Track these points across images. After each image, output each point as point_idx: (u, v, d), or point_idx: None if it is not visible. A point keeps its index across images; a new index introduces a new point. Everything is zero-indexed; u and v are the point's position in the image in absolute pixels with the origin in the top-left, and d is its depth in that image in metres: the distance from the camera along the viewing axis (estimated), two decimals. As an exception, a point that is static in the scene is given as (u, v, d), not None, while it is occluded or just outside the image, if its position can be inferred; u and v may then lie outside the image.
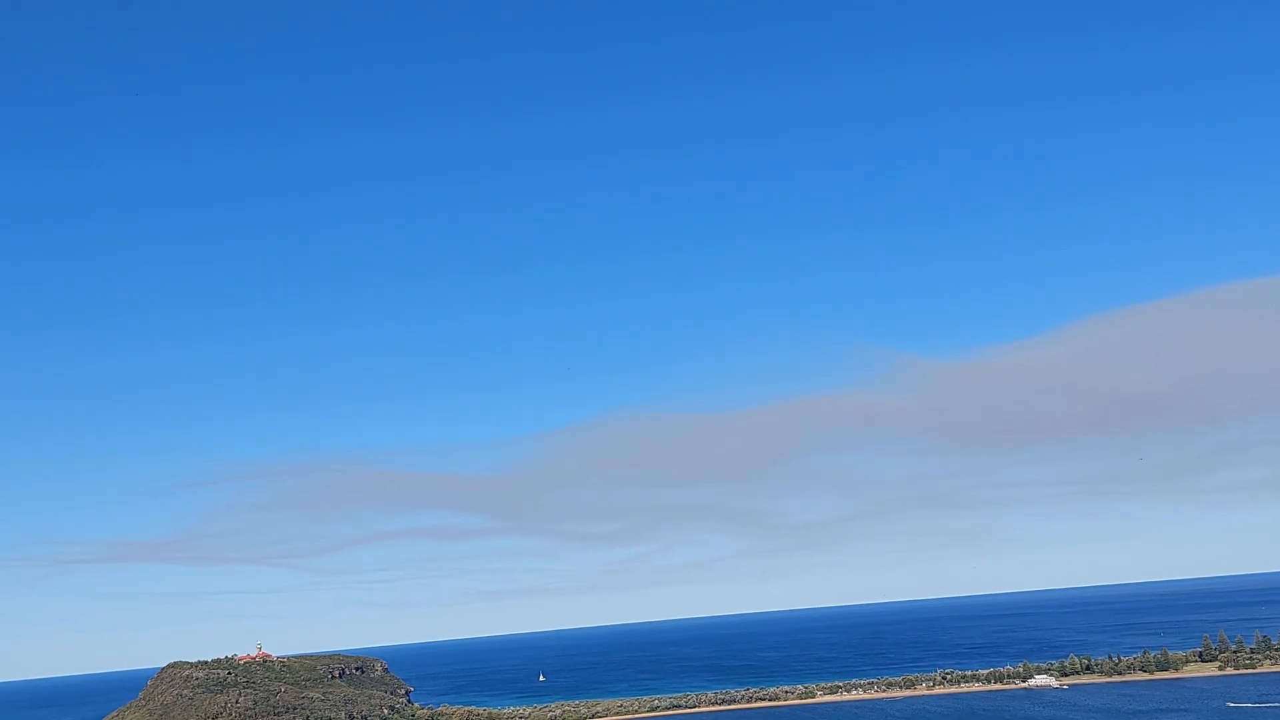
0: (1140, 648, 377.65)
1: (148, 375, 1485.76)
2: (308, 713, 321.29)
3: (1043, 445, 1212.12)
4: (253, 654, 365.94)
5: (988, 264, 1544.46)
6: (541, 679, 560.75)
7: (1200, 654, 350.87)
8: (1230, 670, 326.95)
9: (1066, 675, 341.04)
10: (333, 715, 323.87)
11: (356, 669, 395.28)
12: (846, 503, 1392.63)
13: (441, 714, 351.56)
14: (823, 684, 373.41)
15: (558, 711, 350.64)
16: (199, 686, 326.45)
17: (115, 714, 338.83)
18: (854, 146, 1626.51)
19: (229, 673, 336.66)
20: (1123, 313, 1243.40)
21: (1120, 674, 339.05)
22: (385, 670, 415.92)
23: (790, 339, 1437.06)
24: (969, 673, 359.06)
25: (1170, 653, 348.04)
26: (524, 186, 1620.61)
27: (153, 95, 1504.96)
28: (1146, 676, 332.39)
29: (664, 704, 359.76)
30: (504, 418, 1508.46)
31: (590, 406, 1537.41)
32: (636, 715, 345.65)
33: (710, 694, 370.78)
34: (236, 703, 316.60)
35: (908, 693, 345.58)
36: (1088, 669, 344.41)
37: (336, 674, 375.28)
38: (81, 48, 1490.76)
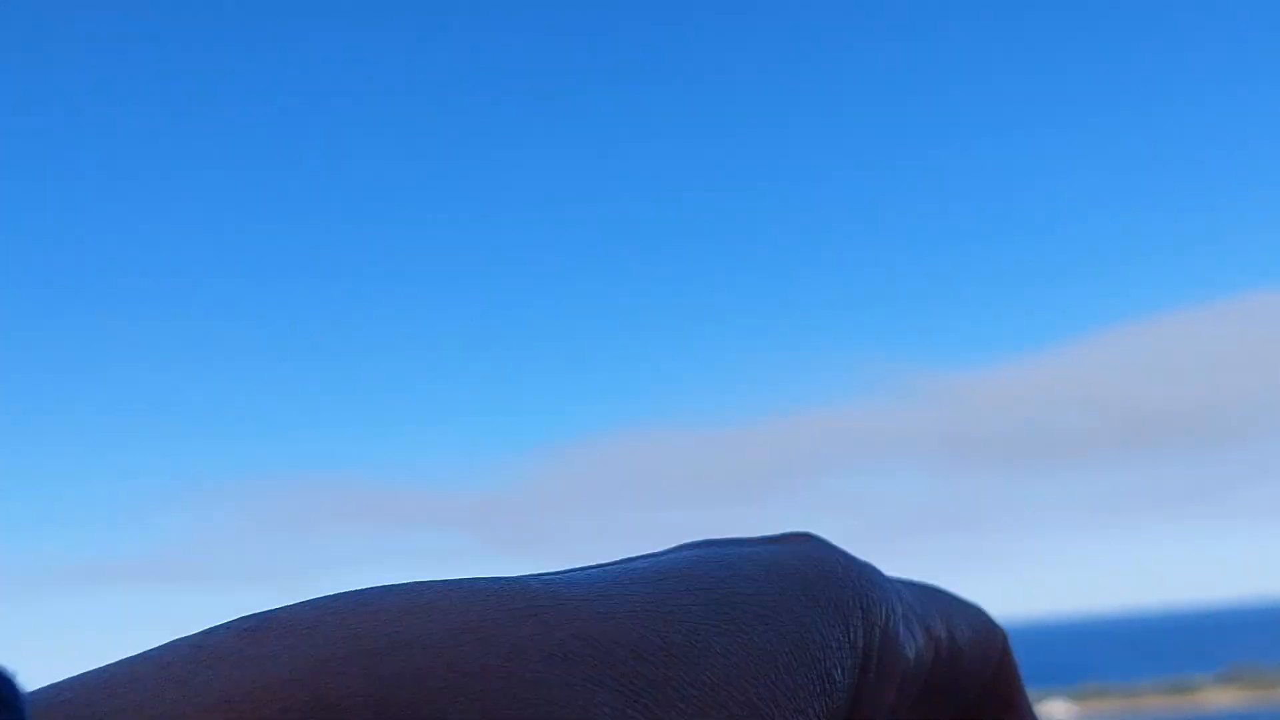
0: (1159, 672, 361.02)
1: (116, 386, 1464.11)
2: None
3: (1058, 462, 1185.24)
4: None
5: (1001, 272, 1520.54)
6: None
7: (1221, 678, 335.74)
8: (1253, 693, 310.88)
9: (1080, 700, 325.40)
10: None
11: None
12: (851, 524, 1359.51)
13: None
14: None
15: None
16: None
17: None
18: (860, 148, 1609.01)
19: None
20: (1142, 324, 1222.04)
21: (1137, 696, 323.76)
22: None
23: (791, 351, 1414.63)
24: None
25: (1190, 676, 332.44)
26: (505, 188, 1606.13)
27: (141, 102, 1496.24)
28: (1165, 701, 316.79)
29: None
30: (491, 434, 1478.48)
31: (581, 424, 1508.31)
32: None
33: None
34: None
35: None
36: (1103, 694, 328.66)
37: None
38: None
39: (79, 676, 0.42)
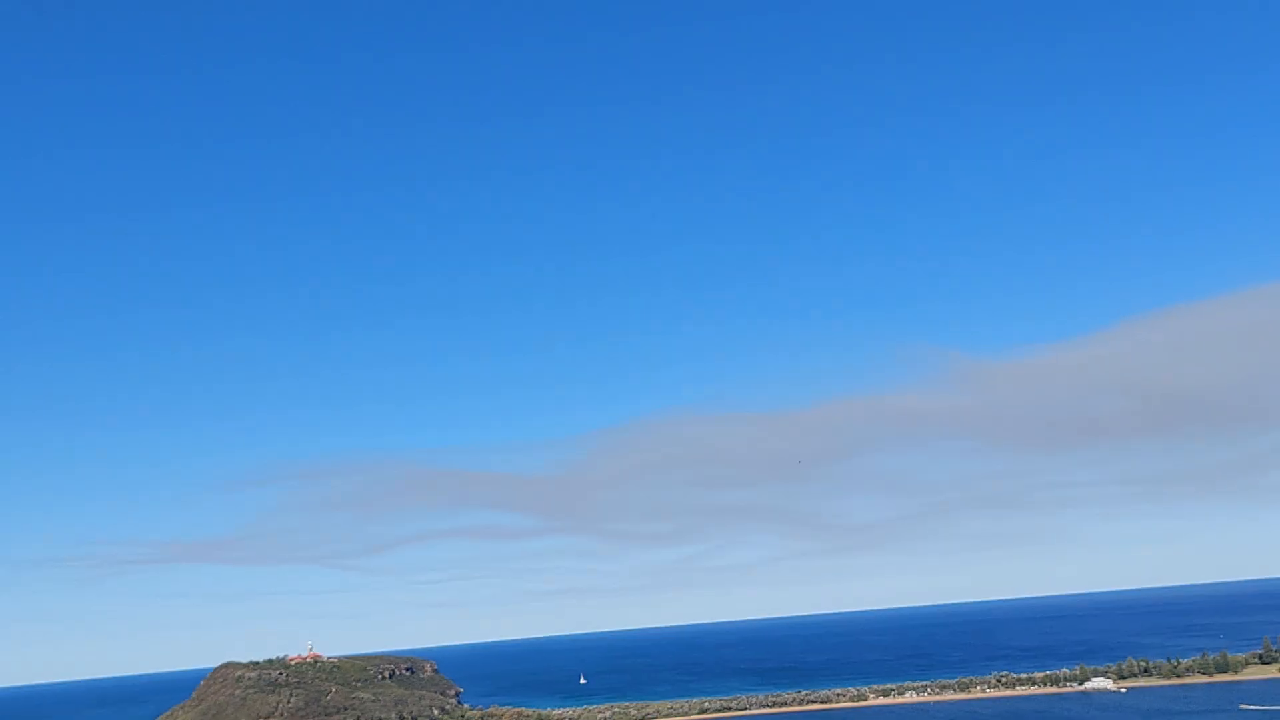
0: (1200, 650, 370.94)
1: (199, 374, 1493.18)
2: (358, 713, 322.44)
3: (1096, 445, 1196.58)
4: (304, 654, 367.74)
5: (1040, 261, 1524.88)
6: (583, 680, 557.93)
7: (1260, 656, 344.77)
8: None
9: (1124, 678, 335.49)
10: (383, 716, 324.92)
11: (406, 669, 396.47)
12: (898, 504, 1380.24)
13: (491, 715, 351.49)
14: (875, 686, 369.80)
15: (608, 713, 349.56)
16: (250, 687, 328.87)
17: (168, 714, 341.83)
18: (904, 140, 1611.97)
19: (280, 673, 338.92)
20: (1177, 310, 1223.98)
21: (1179, 676, 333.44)
22: (435, 671, 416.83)
23: (839, 338, 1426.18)
24: (1024, 675, 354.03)
25: (1230, 655, 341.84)
26: (565, 182, 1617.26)
27: (163, 84, 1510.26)
28: (1205, 679, 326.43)
29: (714, 706, 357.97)
30: (553, 417, 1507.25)
31: (639, 406, 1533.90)
32: (687, 717, 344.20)
33: (760, 696, 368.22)
34: (287, 703, 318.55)
35: (962, 695, 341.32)
36: (1145, 671, 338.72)
37: (387, 675, 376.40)
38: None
39: None
